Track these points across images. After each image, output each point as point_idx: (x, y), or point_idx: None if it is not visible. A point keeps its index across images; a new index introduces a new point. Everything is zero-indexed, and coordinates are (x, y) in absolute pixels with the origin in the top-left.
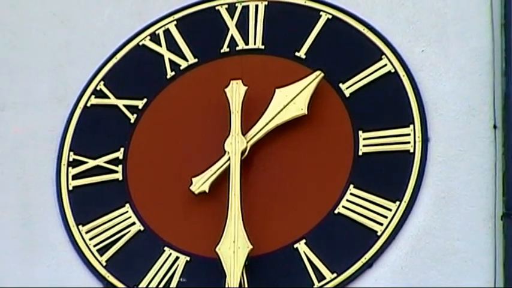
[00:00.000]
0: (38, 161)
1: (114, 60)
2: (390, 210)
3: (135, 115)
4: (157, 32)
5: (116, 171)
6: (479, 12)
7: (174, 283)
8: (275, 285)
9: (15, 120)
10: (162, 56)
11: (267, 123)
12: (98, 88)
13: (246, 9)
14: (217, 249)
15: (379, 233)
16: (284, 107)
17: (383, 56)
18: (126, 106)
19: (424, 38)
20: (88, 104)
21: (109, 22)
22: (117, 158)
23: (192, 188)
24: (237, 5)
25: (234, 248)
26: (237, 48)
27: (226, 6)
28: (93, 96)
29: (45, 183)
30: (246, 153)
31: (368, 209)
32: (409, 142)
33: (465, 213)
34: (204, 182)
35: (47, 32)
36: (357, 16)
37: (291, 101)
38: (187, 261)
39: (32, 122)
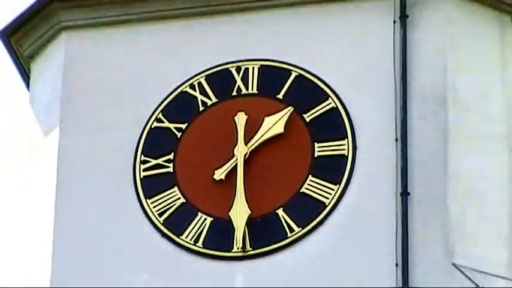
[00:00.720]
0: (122, 161)
1: (168, 99)
2: (333, 190)
3: (180, 133)
4: (193, 83)
5: (169, 167)
6: (386, 68)
7: (203, 236)
8: (265, 237)
9: (108, 137)
10: (196, 97)
11: (260, 138)
12: (158, 117)
13: (247, 69)
14: (230, 214)
15: (326, 204)
16: (270, 128)
17: (329, 98)
18: (174, 127)
19: (354, 85)
20: (152, 126)
21: (166, 75)
22: (169, 158)
23: (215, 176)
24: (241, 67)
25: (239, 213)
26: (242, 92)
27: (235, 67)
28: (155, 122)
29: (127, 175)
30: (247, 155)
31: (320, 189)
32: (344, 149)
33: (377, 192)
34: (222, 173)
35: (126, 80)
36: (313, 73)
37: (273, 124)
38: (211, 221)
39: (118, 138)
